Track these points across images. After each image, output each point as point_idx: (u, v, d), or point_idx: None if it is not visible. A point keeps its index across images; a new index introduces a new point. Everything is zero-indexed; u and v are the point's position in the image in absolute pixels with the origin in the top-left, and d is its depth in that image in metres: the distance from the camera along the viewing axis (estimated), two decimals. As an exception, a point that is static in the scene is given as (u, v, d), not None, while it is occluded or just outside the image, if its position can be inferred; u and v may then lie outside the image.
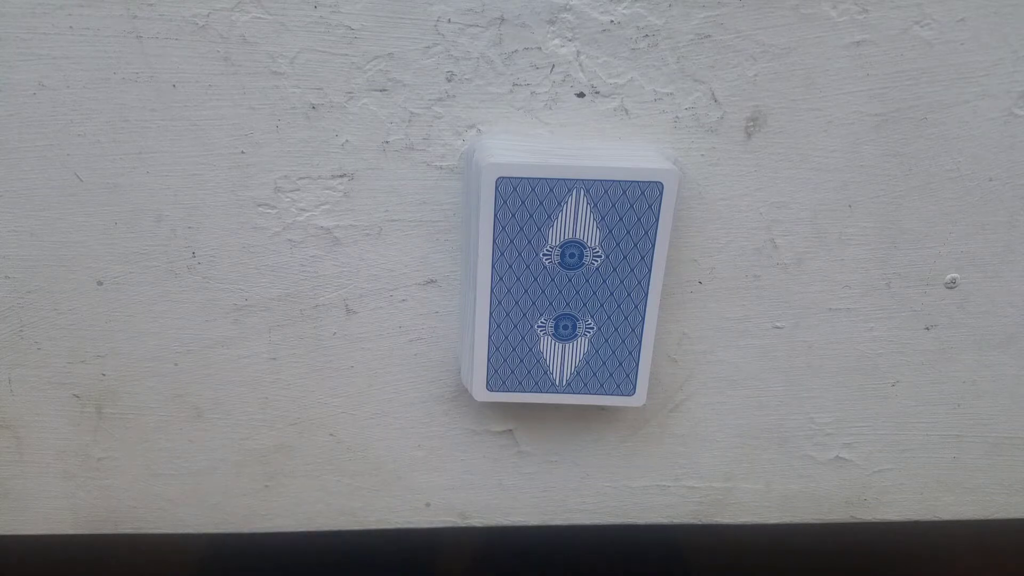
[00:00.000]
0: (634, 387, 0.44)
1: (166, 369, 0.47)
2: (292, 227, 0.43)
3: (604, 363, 0.43)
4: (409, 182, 0.42)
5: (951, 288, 0.46)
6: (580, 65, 0.40)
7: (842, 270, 0.45)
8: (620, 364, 0.43)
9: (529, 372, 0.44)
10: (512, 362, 0.43)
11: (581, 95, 0.41)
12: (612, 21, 0.39)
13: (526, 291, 0.41)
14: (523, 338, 0.43)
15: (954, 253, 0.45)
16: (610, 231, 0.40)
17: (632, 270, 0.41)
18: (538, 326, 0.42)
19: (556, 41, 0.39)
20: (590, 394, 0.44)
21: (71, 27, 0.38)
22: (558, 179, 0.39)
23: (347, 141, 0.41)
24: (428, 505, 0.52)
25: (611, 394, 0.44)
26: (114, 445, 0.49)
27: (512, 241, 0.40)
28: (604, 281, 0.41)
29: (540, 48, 0.40)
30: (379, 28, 0.39)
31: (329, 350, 0.47)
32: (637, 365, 0.43)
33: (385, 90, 0.40)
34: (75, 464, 0.50)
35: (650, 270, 0.41)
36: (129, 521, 0.52)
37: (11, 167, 0.41)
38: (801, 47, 0.40)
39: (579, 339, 0.43)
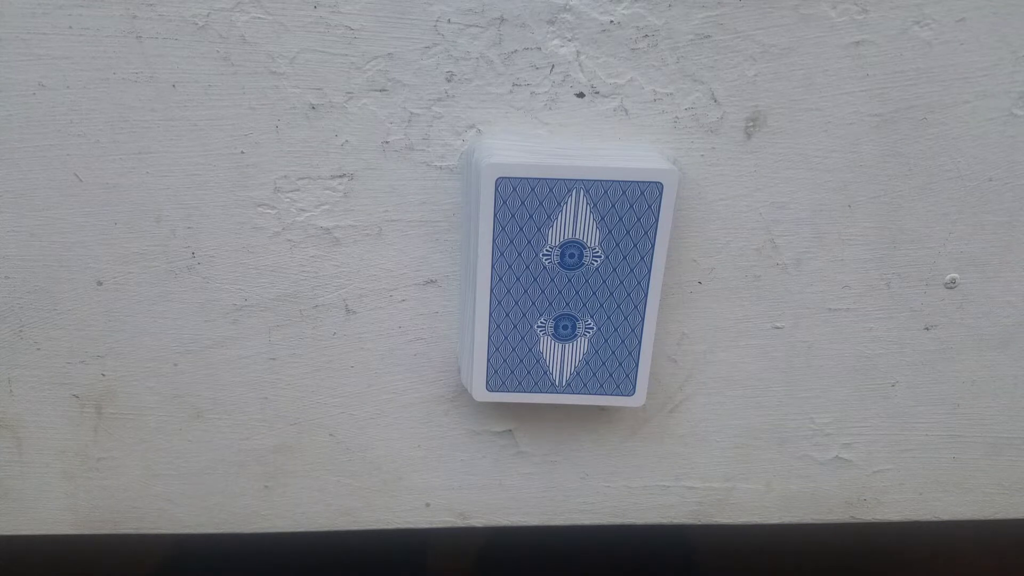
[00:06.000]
0: (634, 387, 0.44)
1: (166, 369, 0.47)
2: (292, 227, 0.43)
3: (604, 363, 0.43)
4: (409, 182, 0.42)
5: (951, 288, 0.46)
6: (580, 65, 0.40)
7: (842, 270, 0.45)
8: (620, 364, 0.43)
9: (529, 372, 0.44)
10: (512, 362, 0.43)
11: (581, 95, 0.41)
12: (612, 21, 0.39)
13: (526, 291, 0.41)
14: (523, 338, 0.43)
15: (954, 253, 0.45)
16: (610, 231, 0.40)
17: (632, 270, 0.41)
18: (538, 326, 0.42)
19: (556, 41, 0.39)
20: (590, 394, 0.44)
21: (71, 27, 0.38)
22: (558, 179, 0.39)
23: (347, 141, 0.41)
24: (428, 505, 0.52)
25: (611, 394, 0.44)
26: (114, 445, 0.49)
27: (512, 241, 0.40)
28: (604, 281, 0.41)
29: (540, 48, 0.40)
30: (379, 28, 0.39)
31: (329, 350, 0.47)
32: (637, 365, 0.43)
33: (385, 90, 0.40)
34: (75, 464, 0.50)
35: (650, 270, 0.41)
36: (129, 521, 0.52)
37: (11, 167, 0.41)
38: (801, 47, 0.40)
39: (579, 339, 0.43)
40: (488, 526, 0.53)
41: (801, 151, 0.42)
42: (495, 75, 0.40)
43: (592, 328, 0.42)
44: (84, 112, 0.40)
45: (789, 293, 0.46)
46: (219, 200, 0.42)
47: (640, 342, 0.43)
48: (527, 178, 0.39)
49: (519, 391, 0.44)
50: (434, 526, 0.53)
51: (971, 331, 0.48)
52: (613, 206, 0.39)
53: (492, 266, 0.41)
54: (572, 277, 0.41)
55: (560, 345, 0.43)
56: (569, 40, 0.39)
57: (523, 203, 0.39)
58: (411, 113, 0.41)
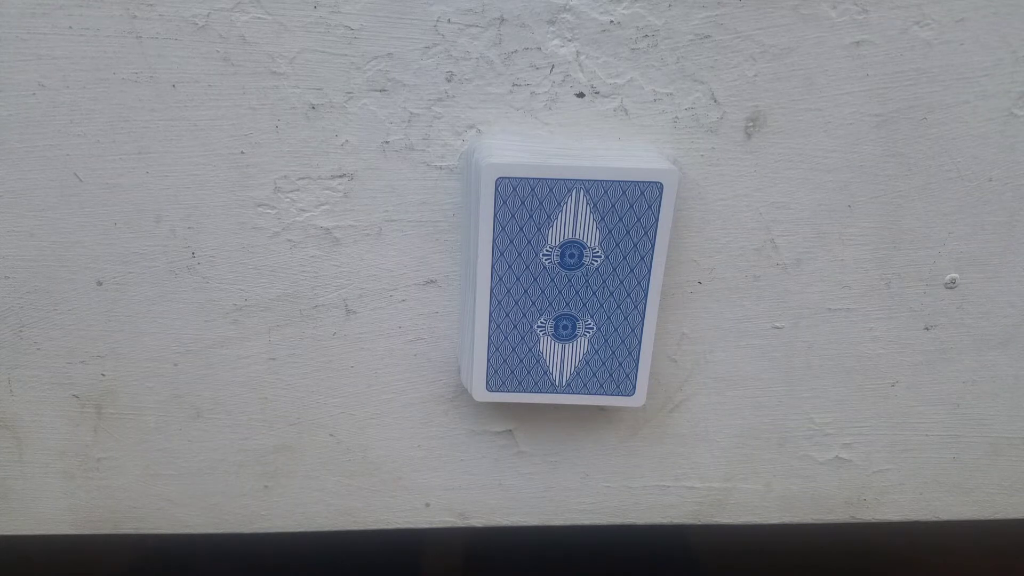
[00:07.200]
0: (634, 387, 0.44)
1: (166, 369, 0.47)
2: (292, 227, 0.43)
3: (604, 363, 0.43)
4: (409, 182, 0.42)
5: (951, 288, 0.46)
6: (580, 65, 0.40)
7: (842, 270, 0.45)
8: (620, 364, 0.43)
9: (529, 372, 0.44)
10: (512, 362, 0.43)
11: (581, 95, 0.41)
12: (612, 21, 0.39)
13: (526, 291, 0.41)
14: (523, 338, 0.43)
15: (954, 253, 0.45)
16: (610, 231, 0.40)
17: (632, 270, 0.41)
18: (538, 326, 0.42)
19: (556, 41, 0.39)
20: (590, 394, 0.44)
21: (71, 27, 0.38)
22: (558, 179, 0.39)
23: (347, 141, 0.41)
24: (428, 505, 0.52)
25: (611, 394, 0.44)
26: (114, 445, 0.49)
27: (512, 241, 0.40)
28: (604, 281, 0.41)
29: (540, 48, 0.40)
30: (379, 28, 0.39)
31: (329, 350, 0.47)
32: (637, 365, 0.43)
33: (385, 90, 0.40)
34: (75, 464, 0.50)
35: (650, 270, 0.41)
36: (129, 521, 0.52)
37: (11, 167, 0.41)
38: (801, 47, 0.40)
39: (579, 339, 0.43)
40: (488, 526, 0.53)
41: (801, 151, 0.42)
42: (495, 75, 0.40)
43: (592, 328, 0.42)
44: (84, 112, 0.40)
45: (789, 293, 0.46)
46: (219, 200, 0.42)
47: (640, 342, 0.43)
48: (527, 178, 0.39)
49: (519, 391, 0.44)
50: (434, 526, 0.53)
51: (971, 331, 0.48)
52: (613, 206, 0.39)
53: (492, 266, 0.41)
54: (572, 277, 0.41)
55: (560, 345, 0.43)
56: (569, 40, 0.39)
57: (523, 203, 0.39)
58: (411, 113, 0.41)
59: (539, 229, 0.40)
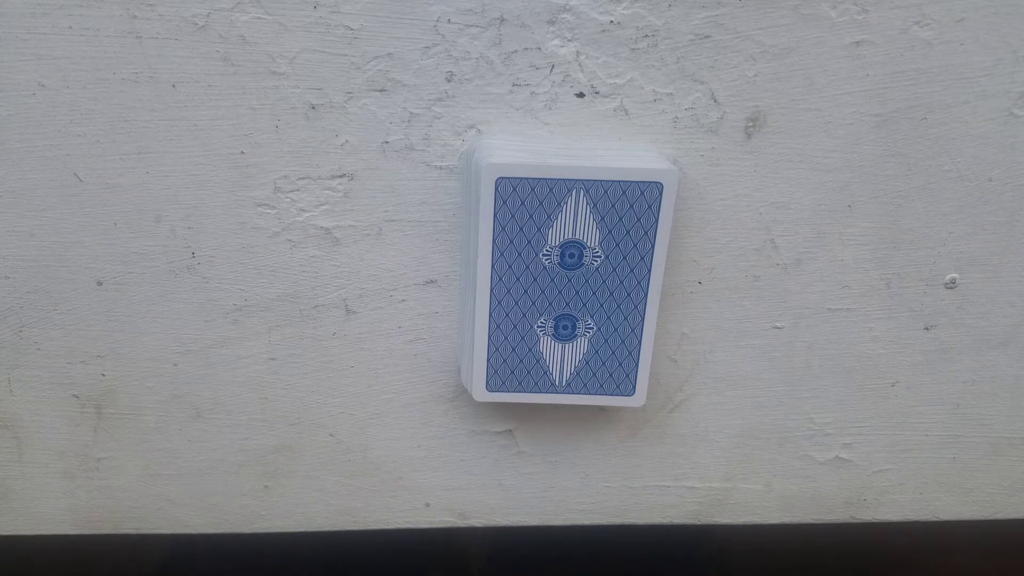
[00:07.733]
0: (634, 387, 0.44)
1: (165, 369, 0.47)
2: (292, 227, 0.43)
3: (604, 363, 0.43)
4: (409, 182, 0.42)
5: (951, 288, 0.46)
6: (580, 65, 0.40)
7: (842, 270, 0.45)
8: (620, 364, 0.43)
9: (529, 372, 0.44)
10: (512, 362, 0.43)
11: (581, 95, 0.41)
12: (612, 21, 0.39)
13: (526, 291, 0.41)
14: (523, 338, 0.43)
15: (954, 253, 0.45)
16: (610, 231, 0.40)
17: (632, 270, 0.41)
18: (538, 326, 0.42)
19: (556, 41, 0.39)
20: (590, 394, 0.44)
21: (71, 27, 0.38)
22: (558, 179, 0.39)
23: (347, 141, 0.41)
24: (428, 505, 0.52)
25: (611, 394, 0.44)
26: (114, 445, 0.49)
27: (512, 241, 0.40)
28: (604, 281, 0.41)
29: (540, 48, 0.40)
30: (379, 28, 0.39)
31: (329, 350, 0.47)
32: (637, 365, 0.43)
33: (385, 90, 0.40)
34: (75, 464, 0.50)
35: (650, 270, 0.41)
36: (129, 521, 0.52)
37: (11, 167, 0.41)
38: (801, 47, 0.40)
39: (579, 339, 0.43)
40: (488, 526, 0.53)
41: (801, 151, 0.42)
42: (495, 75, 0.40)
43: (592, 328, 0.42)
44: (84, 112, 0.40)
45: (789, 293, 0.46)
46: (219, 200, 0.42)
47: (640, 342, 0.43)
48: (527, 178, 0.39)
49: (519, 391, 0.44)
50: (434, 526, 0.53)
51: (971, 331, 0.48)
52: (613, 206, 0.39)
53: (492, 266, 0.41)
54: (572, 277, 0.41)
55: (560, 345, 0.43)
56: (569, 40, 0.39)
57: (523, 203, 0.39)
58: (411, 113, 0.41)
59: (539, 229, 0.40)
